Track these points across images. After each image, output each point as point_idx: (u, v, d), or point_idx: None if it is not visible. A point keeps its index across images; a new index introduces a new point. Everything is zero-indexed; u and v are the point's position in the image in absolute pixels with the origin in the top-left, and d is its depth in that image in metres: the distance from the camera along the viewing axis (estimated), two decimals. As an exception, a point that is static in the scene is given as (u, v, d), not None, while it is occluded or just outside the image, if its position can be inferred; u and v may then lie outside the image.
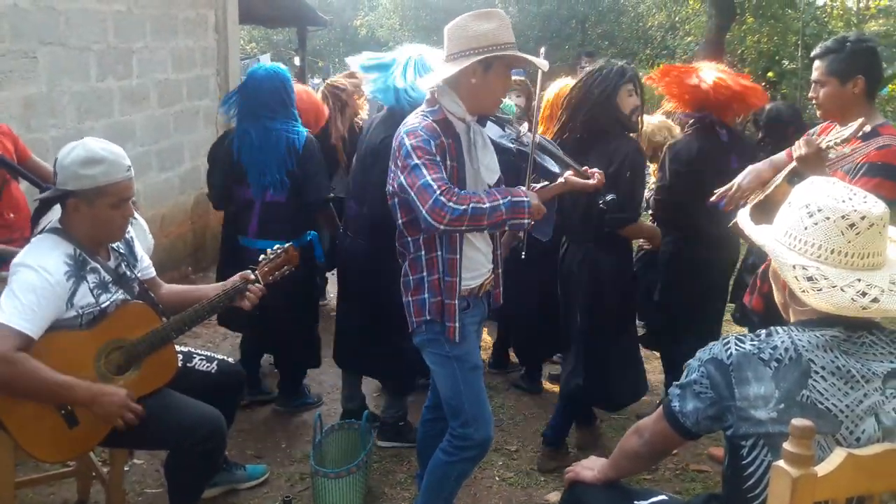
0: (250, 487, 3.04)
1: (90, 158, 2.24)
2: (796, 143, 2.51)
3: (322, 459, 3.00)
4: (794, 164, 2.59)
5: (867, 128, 2.49)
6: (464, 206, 2.16)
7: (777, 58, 12.13)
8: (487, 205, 2.21)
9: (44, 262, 2.20)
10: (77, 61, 4.72)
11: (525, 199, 2.29)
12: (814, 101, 2.70)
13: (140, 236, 3.19)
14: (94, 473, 2.80)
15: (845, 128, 2.48)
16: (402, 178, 2.24)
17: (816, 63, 2.67)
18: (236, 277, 2.58)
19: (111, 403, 2.19)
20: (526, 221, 2.30)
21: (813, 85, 2.70)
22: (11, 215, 3.24)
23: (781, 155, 2.77)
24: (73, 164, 2.23)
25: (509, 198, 2.26)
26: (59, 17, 4.52)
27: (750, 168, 2.76)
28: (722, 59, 4.86)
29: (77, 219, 2.30)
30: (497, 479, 3.20)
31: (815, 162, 2.43)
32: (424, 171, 2.19)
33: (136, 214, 3.11)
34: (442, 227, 2.17)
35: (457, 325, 2.36)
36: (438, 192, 2.16)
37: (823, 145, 2.46)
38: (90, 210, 2.28)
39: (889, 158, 2.45)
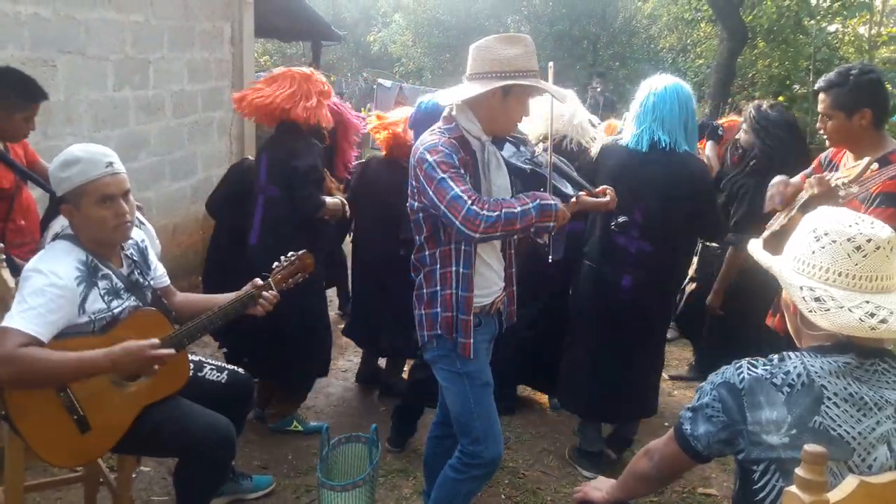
0: (256, 498, 3.05)
1: (66, 161, 2.27)
2: (808, 181, 2.54)
3: (329, 472, 3.00)
4: (803, 197, 2.61)
5: (875, 165, 2.50)
6: (497, 213, 2.20)
7: (788, 82, 12.17)
8: (519, 209, 2.25)
9: (54, 266, 2.22)
10: (95, 71, 4.78)
11: (552, 202, 2.33)
12: (822, 132, 2.72)
13: (150, 242, 3.23)
14: (101, 479, 2.80)
15: (854, 165, 2.50)
16: (430, 193, 2.26)
17: (821, 96, 2.69)
18: (248, 286, 2.60)
19: (134, 359, 2.18)
20: (551, 224, 2.34)
21: (820, 116, 2.71)
22: (22, 222, 3.28)
23: (796, 179, 2.81)
24: (55, 170, 2.27)
25: (538, 201, 2.30)
26: (78, 26, 4.59)
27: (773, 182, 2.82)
28: (732, 83, 4.94)
29: (75, 224, 2.33)
30: (503, 497, 3.20)
31: (828, 199, 2.44)
32: (452, 184, 2.22)
33: (143, 219, 3.15)
34: (478, 235, 2.20)
35: (470, 341, 2.37)
36: (470, 202, 2.19)
37: (833, 184, 2.48)
38: (79, 212, 2.29)
39: None
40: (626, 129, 3.25)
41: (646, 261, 3.11)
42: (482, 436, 2.41)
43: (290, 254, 2.72)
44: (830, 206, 2.31)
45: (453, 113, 2.42)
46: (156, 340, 2.24)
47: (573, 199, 2.84)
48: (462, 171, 2.27)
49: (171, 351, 2.26)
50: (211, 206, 3.95)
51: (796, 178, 2.82)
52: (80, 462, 2.44)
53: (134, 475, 3.06)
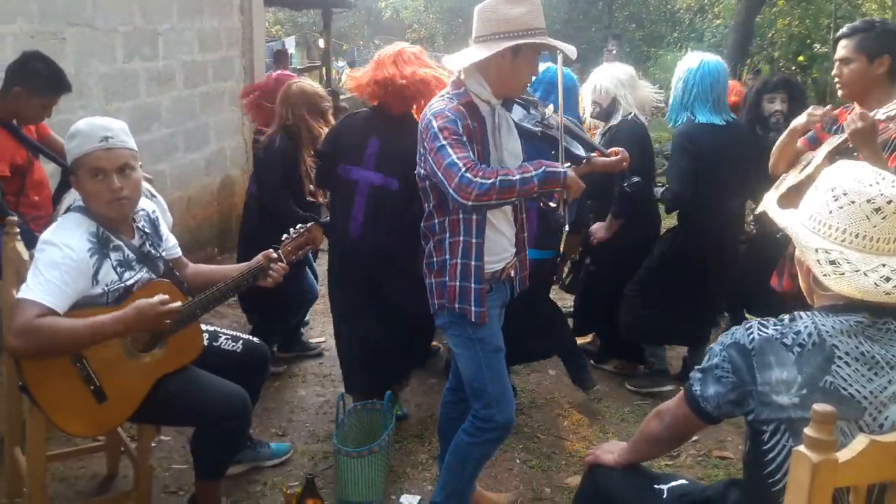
0: (274, 465, 3.08)
1: (71, 133, 2.30)
2: (849, 117, 2.49)
3: (345, 438, 3.03)
4: (834, 142, 2.58)
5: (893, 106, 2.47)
6: (491, 180, 2.16)
7: (808, 41, 11.93)
8: (518, 176, 2.21)
9: (67, 239, 2.24)
10: (104, 42, 4.76)
11: (560, 170, 2.30)
12: (836, 81, 2.70)
13: (161, 215, 3.25)
14: (122, 448, 2.85)
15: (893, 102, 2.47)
16: (430, 160, 2.25)
17: (843, 42, 2.68)
18: (259, 256, 2.60)
19: (145, 317, 2.19)
20: (556, 191, 2.31)
21: (837, 64, 2.70)
22: (36, 196, 3.31)
23: (797, 144, 2.80)
24: (64, 143, 2.31)
25: (543, 168, 2.26)
26: (86, -2, 4.57)
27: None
28: (751, 43, 4.87)
29: (83, 196, 2.34)
30: (518, 461, 3.22)
31: (871, 136, 2.40)
32: (450, 151, 2.20)
33: (153, 191, 3.17)
34: (470, 202, 2.18)
35: (484, 309, 2.36)
36: (464, 168, 2.16)
37: (882, 117, 2.45)
38: (80, 185, 2.31)
39: None
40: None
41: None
42: (494, 400, 2.42)
43: (298, 225, 2.73)
44: (872, 149, 2.30)
45: (462, 77, 2.39)
46: (165, 296, 2.24)
47: (585, 161, 2.83)
48: (464, 139, 2.25)
49: (179, 304, 2.27)
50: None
51: (796, 145, 2.79)
52: (98, 432, 2.48)
53: (154, 444, 3.11)
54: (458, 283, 2.36)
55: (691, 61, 3.55)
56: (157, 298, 2.22)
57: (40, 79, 3.18)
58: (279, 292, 3.42)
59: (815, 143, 2.84)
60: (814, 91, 11.65)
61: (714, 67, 3.49)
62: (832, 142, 2.64)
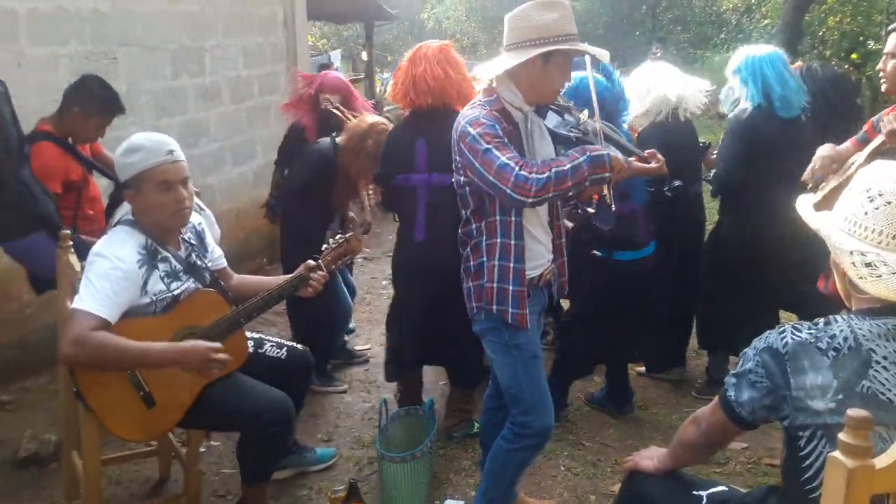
0: (320, 470, 3.14)
1: (130, 148, 2.38)
2: (886, 118, 2.45)
3: (388, 444, 3.08)
4: (875, 143, 2.53)
5: None
6: (546, 174, 2.18)
7: (861, 38, 11.60)
8: (568, 165, 2.22)
9: (117, 251, 2.33)
10: (153, 61, 4.94)
11: (604, 152, 2.30)
12: (881, 75, 2.65)
13: (208, 227, 3.34)
14: (173, 453, 2.95)
15: None
16: (477, 166, 2.26)
17: (893, 35, 2.64)
18: (301, 268, 2.67)
19: (200, 356, 2.29)
20: (607, 175, 2.31)
21: (884, 57, 2.65)
22: (90, 211, 3.48)
23: (846, 144, 2.72)
24: (119, 157, 2.39)
25: (588, 154, 2.27)
26: (136, 19, 4.75)
27: (816, 157, 2.72)
28: (800, 42, 4.76)
29: (136, 208, 2.43)
30: (562, 468, 3.21)
31: None
32: (497, 153, 2.22)
33: (202, 204, 3.27)
34: (530, 199, 2.19)
35: (525, 311, 2.37)
36: (517, 168, 2.18)
37: None
38: (140, 197, 2.39)
39: None
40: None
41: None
42: (531, 407, 2.43)
43: (338, 236, 2.79)
44: None
45: (493, 85, 2.41)
46: (219, 345, 2.34)
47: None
48: (506, 141, 2.27)
49: (229, 358, 2.36)
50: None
51: (845, 145, 2.72)
52: (148, 437, 2.57)
53: (204, 449, 3.21)
54: (495, 285, 2.37)
55: (756, 50, 3.50)
56: (213, 344, 2.32)
57: (97, 100, 3.36)
58: (313, 306, 3.51)
59: (864, 143, 2.78)
60: (869, 89, 11.33)
61: (779, 57, 3.46)
62: (874, 143, 2.59)
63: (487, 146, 2.23)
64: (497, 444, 2.54)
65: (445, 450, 3.33)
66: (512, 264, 2.36)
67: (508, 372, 2.45)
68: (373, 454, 3.14)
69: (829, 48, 11.62)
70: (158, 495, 2.96)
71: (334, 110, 3.98)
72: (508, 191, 2.19)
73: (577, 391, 3.96)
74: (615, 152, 2.85)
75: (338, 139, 3.70)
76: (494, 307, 2.37)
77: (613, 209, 2.53)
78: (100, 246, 2.37)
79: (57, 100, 3.38)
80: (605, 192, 2.45)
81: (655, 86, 3.66)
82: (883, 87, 2.72)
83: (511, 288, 2.36)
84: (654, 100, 3.61)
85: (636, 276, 3.38)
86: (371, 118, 3.74)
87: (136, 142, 2.39)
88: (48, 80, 4.04)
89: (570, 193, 2.34)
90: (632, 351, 3.79)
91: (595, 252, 3.41)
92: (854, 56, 11.36)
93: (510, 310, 2.36)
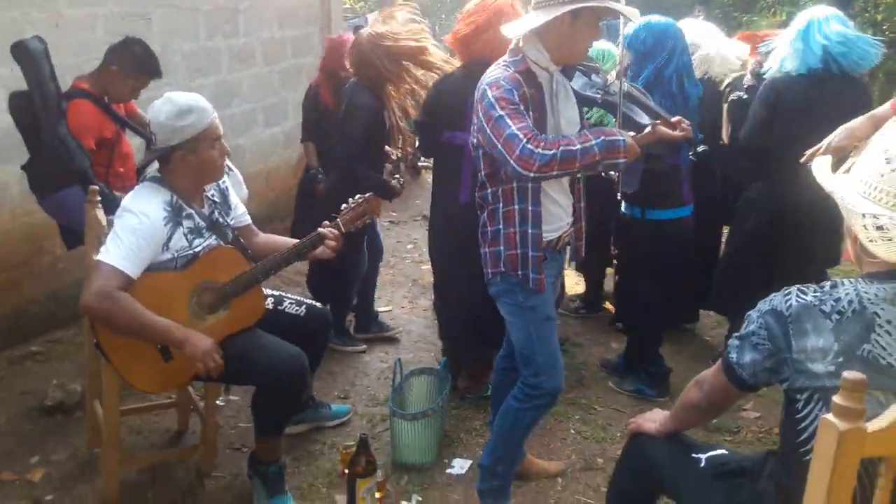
0: (334, 426, 3.19)
1: (182, 111, 2.39)
2: None
3: (402, 402, 3.11)
4: None
5: None
6: (552, 151, 2.14)
7: (919, 7, 11.10)
8: (578, 146, 2.18)
9: (144, 207, 2.38)
10: (187, 21, 4.96)
11: (620, 138, 2.25)
12: None
13: (235, 187, 3.37)
14: (192, 406, 3.02)
15: None
16: (488, 131, 2.24)
17: None
18: (320, 228, 2.69)
19: (196, 349, 2.33)
20: (621, 161, 2.25)
21: None
22: (121, 168, 3.54)
23: (885, 107, 2.59)
24: (169, 121, 2.39)
25: (603, 138, 2.22)
26: (171, -21, 4.76)
27: (844, 126, 2.60)
28: (852, 5, 4.54)
29: (183, 169, 2.46)
30: (572, 431, 3.22)
31: None
32: (509, 122, 2.18)
33: (230, 164, 3.30)
34: (532, 174, 2.16)
35: (542, 276, 2.36)
36: (525, 140, 2.14)
37: None
38: (196, 157, 2.44)
39: None
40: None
41: None
42: (543, 368, 2.43)
43: (357, 196, 2.78)
44: None
45: (520, 44, 2.37)
46: (216, 349, 2.38)
47: (648, 129, 2.76)
48: (522, 108, 2.23)
49: (221, 363, 2.38)
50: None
51: (884, 107, 2.59)
52: (165, 388, 2.62)
53: (222, 403, 3.29)
54: (518, 251, 2.35)
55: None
56: (212, 344, 2.36)
57: (136, 61, 3.43)
58: (338, 267, 3.52)
59: None
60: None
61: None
62: None
63: (501, 113, 2.20)
64: (507, 403, 2.54)
65: (458, 410, 3.36)
66: (530, 230, 2.35)
67: (522, 334, 2.45)
68: (386, 412, 3.17)
69: (882, 12, 11.13)
70: (176, 446, 3.04)
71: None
72: (512, 162, 2.16)
73: (595, 357, 3.95)
74: (641, 116, 2.80)
75: (357, 81, 3.62)
76: (519, 272, 2.36)
77: (619, 196, 2.47)
78: (127, 201, 2.42)
79: (94, 59, 3.44)
80: (615, 177, 2.40)
81: (699, 43, 3.57)
82: None
83: (531, 253, 2.35)
84: (697, 58, 3.53)
85: (678, 236, 3.32)
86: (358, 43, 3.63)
87: (184, 103, 2.40)
88: (85, 39, 4.10)
89: (579, 175, 2.31)
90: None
91: (623, 212, 3.38)
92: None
93: (531, 275, 2.35)
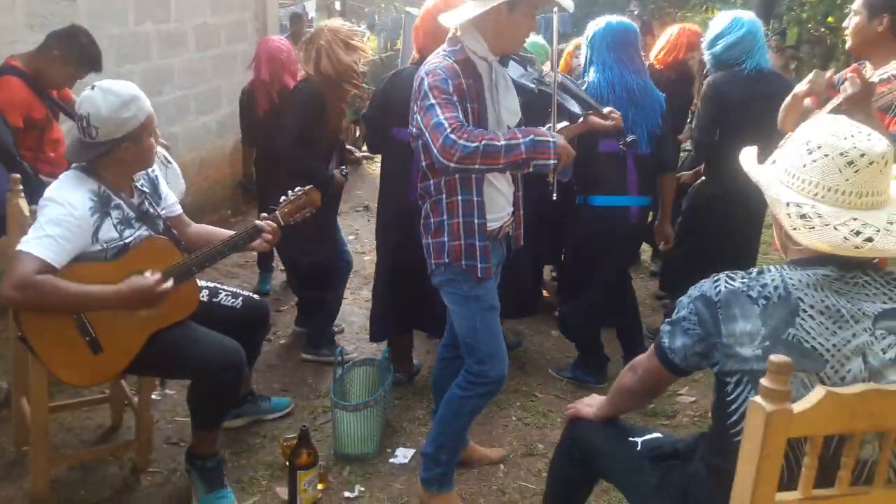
0: (274, 419, 3.15)
1: (125, 102, 2.32)
2: (847, 79, 2.45)
3: (344, 394, 3.10)
4: (834, 102, 2.53)
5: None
6: (475, 144, 2.14)
7: (839, 2, 11.56)
8: (503, 143, 2.18)
9: (69, 197, 2.30)
10: (115, 4, 4.79)
11: (550, 138, 2.25)
12: (846, 32, 2.65)
13: (173, 181, 3.29)
14: (126, 401, 2.94)
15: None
16: (419, 119, 2.25)
17: None
18: (257, 221, 2.65)
19: (141, 297, 2.25)
20: (551, 162, 2.25)
21: (850, 15, 2.65)
22: (52, 154, 3.43)
23: (807, 102, 2.73)
24: (113, 114, 2.30)
25: (531, 136, 2.22)
26: (97, -40, 4.59)
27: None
28: (778, 4, 4.71)
29: (120, 162, 2.39)
30: (514, 418, 3.26)
31: (864, 100, 2.35)
32: (438, 111, 2.19)
33: (169, 157, 3.24)
34: (452, 164, 2.16)
35: (489, 265, 2.38)
36: (449, 129, 2.15)
37: (875, 79, 2.40)
38: (139, 147, 2.38)
39: None
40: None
41: None
42: (488, 356, 2.45)
43: (297, 189, 2.75)
44: (863, 110, 2.25)
45: (458, 34, 2.37)
46: (159, 276, 2.30)
47: (581, 120, 2.81)
48: (454, 99, 2.23)
49: (171, 283, 2.32)
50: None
51: (806, 102, 2.72)
52: (94, 382, 2.54)
53: (158, 397, 3.22)
54: (463, 242, 2.36)
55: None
56: (154, 279, 2.27)
57: (80, 51, 3.38)
58: (317, 266, 3.61)
59: (825, 102, 2.78)
60: (843, 54, 11.33)
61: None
62: (833, 102, 2.59)
63: (433, 101, 2.21)
64: (451, 391, 2.56)
65: (401, 400, 3.36)
66: (476, 220, 2.36)
67: (466, 323, 2.46)
68: (328, 403, 3.15)
69: (807, 11, 11.57)
70: (110, 442, 2.96)
71: None
72: (435, 151, 2.17)
73: (535, 345, 4.01)
74: (574, 106, 2.84)
75: (306, 70, 3.57)
76: (463, 263, 2.37)
77: (555, 196, 2.47)
78: (51, 191, 2.33)
79: (13, 42, 3.34)
80: (550, 178, 2.42)
81: None
82: (847, 45, 2.72)
83: (478, 243, 2.36)
84: None
85: (616, 226, 3.34)
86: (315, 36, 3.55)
87: (126, 94, 2.33)
88: (3, 21, 3.93)
89: (506, 171, 2.35)
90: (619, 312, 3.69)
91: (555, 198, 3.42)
92: (830, 20, 11.35)
93: (479, 264, 2.37)
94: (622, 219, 3.34)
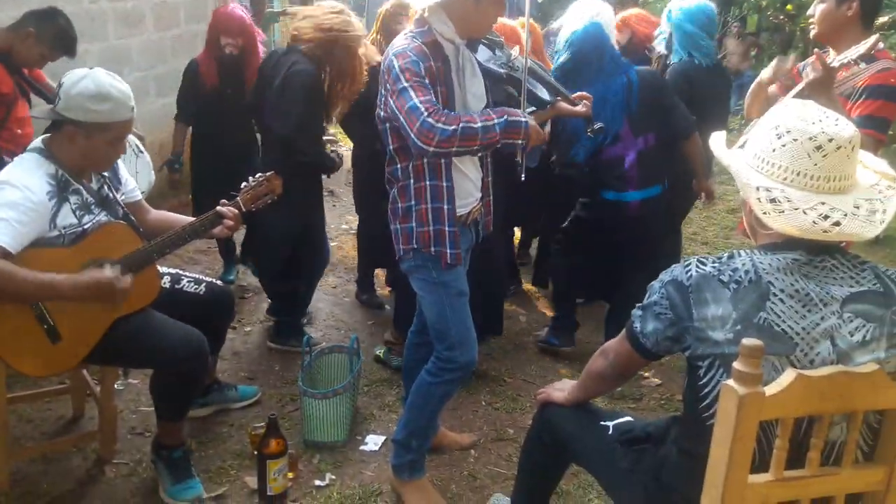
0: (242, 407, 3.11)
1: (100, 94, 2.26)
2: (808, 68, 2.47)
3: (313, 381, 3.07)
4: (797, 88, 2.56)
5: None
6: (453, 127, 2.13)
7: (796, -11, 11.74)
8: (479, 124, 2.18)
9: (26, 180, 2.22)
10: (69, -18, 4.62)
11: (523, 119, 2.26)
12: (811, 21, 2.67)
13: (143, 171, 3.21)
14: (88, 391, 2.87)
15: (860, 45, 2.44)
16: (391, 102, 2.22)
17: None
18: (219, 206, 2.60)
19: (100, 293, 2.19)
20: (520, 142, 2.26)
21: (814, 2, 2.67)
22: (18, 131, 3.37)
23: (772, 88, 2.76)
24: (80, 96, 2.25)
25: (506, 117, 2.22)
26: (48, -65, 4.42)
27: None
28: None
29: (68, 146, 2.31)
30: (483, 403, 3.27)
31: (826, 85, 2.38)
32: (412, 94, 2.16)
33: (141, 147, 3.17)
34: (431, 149, 2.15)
35: (459, 251, 2.37)
36: (426, 113, 2.13)
37: (836, 64, 2.42)
38: (86, 142, 2.30)
39: (890, 81, 2.45)
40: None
41: None
42: (457, 342, 2.44)
43: (258, 174, 2.71)
44: (827, 98, 2.28)
45: (426, 15, 2.34)
46: (118, 270, 2.23)
47: (549, 106, 2.80)
48: (426, 82, 2.21)
49: (130, 280, 2.26)
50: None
51: (771, 88, 2.75)
52: (52, 372, 2.45)
53: (121, 387, 3.15)
54: (431, 228, 2.35)
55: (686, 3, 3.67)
56: (113, 276, 2.20)
57: (56, 33, 3.37)
58: (294, 256, 3.55)
59: (790, 87, 2.82)
60: (802, 41, 11.50)
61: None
62: (796, 88, 2.62)
63: (405, 84, 2.18)
64: (421, 377, 2.55)
65: (371, 387, 3.34)
66: (445, 205, 2.34)
67: (435, 309, 2.45)
68: (296, 391, 3.13)
69: (764, -3, 11.72)
70: (72, 433, 2.89)
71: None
72: (413, 135, 2.15)
73: (504, 331, 4.01)
74: (542, 92, 2.83)
75: (304, 49, 3.28)
76: (432, 249, 2.36)
77: (523, 177, 2.48)
78: (7, 173, 2.26)
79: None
80: (518, 157, 2.43)
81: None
82: (811, 34, 2.75)
83: (447, 229, 2.35)
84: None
85: (618, 215, 3.43)
86: (321, 14, 3.34)
87: (106, 91, 2.27)
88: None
89: (479, 153, 2.33)
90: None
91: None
92: (789, 7, 11.50)
93: (448, 250, 2.35)
94: (623, 211, 3.42)
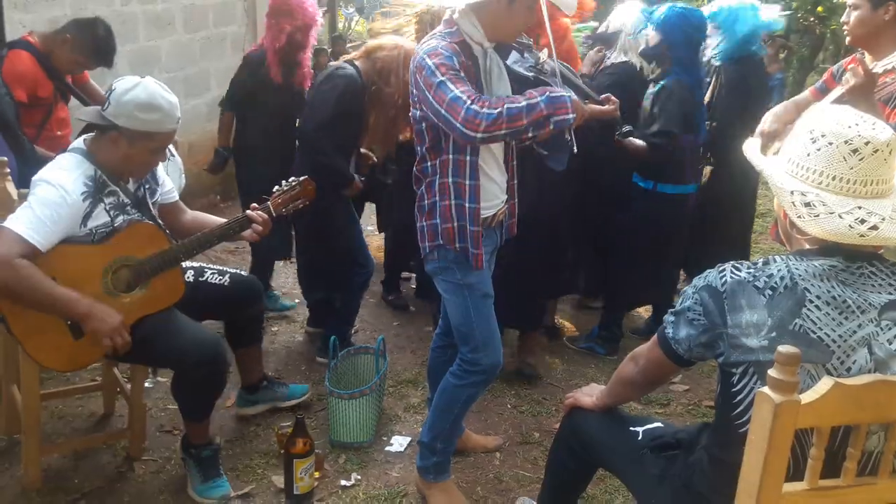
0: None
1: (150, 104, 2.29)
2: (847, 74, 2.44)
3: (338, 381, 3.08)
4: (835, 94, 2.52)
5: None
6: (498, 109, 2.11)
7: (828, -10, 11.58)
8: (524, 102, 2.15)
9: (63, 180, 2.26)
10: (102, -16, 4.70)
11: (565, 93, 2.22)
12: (845, 28, 2.63)
13: (174, 174, 3.24)
14: (118, 389, 2.91)
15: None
16: (430, 98, 2.20)
17: None
18: (249, 211, 2.61)
19: (103, 323, 2.23)
20: (571, 117, 2.21)
21: (847, 9, 2.62)
22: (58, 132, 3.45)
23: (806, 93, 2.71)
24: (130, 104, 2.28)
25: (547, 93, 2.19)
26: (82, -61, 4.50)
27: (770, 111, 2.72)
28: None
29: (111, 149, 2.35)
30: (509, 406, 3.26)
31: (867, 91, 2.34)
32: (451, 86, 2.15)
33: (174, 152, 3.20)
34: (479, 135, 2.13)
35: (481, 251, 2.36)
36: (469, 101, 2.12)
37: (879, 70, 2.39)
38: (129, 148, 2.34)
39: None
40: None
41: None
42: (482, 344, 2.44)
43: (291, 179, 2.71)
44: (867, 100, 2.25)
45: (455, 17, 2.34)
46: (121, 319, 2.28)
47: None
48: (462, 74, 2.20)
49: (129, 340, 2.29)
50: None
51: (804, 94, 2.71)
52: (73, 367, 2.48)
53: (150, 385, 3.18)
54: (455, 224, 2.34)
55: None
56: (120, 321, 2.26)
57: (93, 42, 3.40)
58: (330, 271, 3.51)
59: (824, 93, 2.78)
60: (833, 43, 11.33)
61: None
62: (834, 93, 2.59)
63: (442, 78, 2.17)
64: (445, 380, 2.55)
65: (396, 388, 3.35)
66: (467, 204, 2.34)
67: (460, 311, 2.44)
68: (322, 391, 3.14)
69: (797, 0, 11.55)
70: (102, 430, 2.93)
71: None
72: (458, 125, 2.13)
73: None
74: (572, 94, 2.82)
75: (359, 63, 3.24)
76: (457, 245, 2.35)
77: (575, 150, 2.45)
78: (46, 172, 2.30)
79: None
80: (568, 136, 2.39)
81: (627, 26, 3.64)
82: (847, 41, 2.70)
83: (469, 227, 2.34)
84: (624, 42, 3.61)
85: (679, 212, 3.50)
86: (399, 40, 3.30)
87: (156, 101, 2.30)
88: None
89: (529, 133, 2.24)
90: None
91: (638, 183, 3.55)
92: (819, 9, 11.34)
93: (470, 249, 2.35)
94: (683, 206, 3.51)
